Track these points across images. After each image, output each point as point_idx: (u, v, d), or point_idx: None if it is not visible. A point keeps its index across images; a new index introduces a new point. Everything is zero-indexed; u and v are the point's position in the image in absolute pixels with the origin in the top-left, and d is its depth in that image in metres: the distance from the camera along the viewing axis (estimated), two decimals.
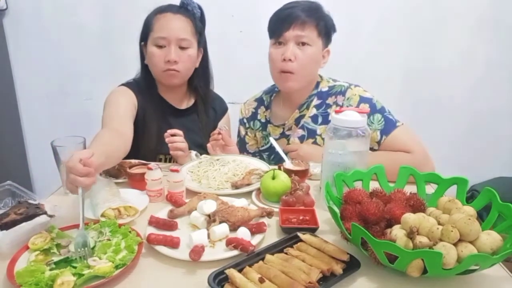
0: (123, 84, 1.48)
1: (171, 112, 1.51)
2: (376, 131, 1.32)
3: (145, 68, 1.47)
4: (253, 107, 1.58)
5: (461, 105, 2.41)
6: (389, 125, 1.31)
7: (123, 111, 1.35)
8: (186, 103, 1.55)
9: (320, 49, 1.36)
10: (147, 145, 1.44)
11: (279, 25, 1.33)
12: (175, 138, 1.30)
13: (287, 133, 1.48)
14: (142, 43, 1.45)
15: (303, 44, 1.32)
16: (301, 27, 1.30)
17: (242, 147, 1.60)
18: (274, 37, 1.36)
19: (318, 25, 1.32)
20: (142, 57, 1.48)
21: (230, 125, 1.68)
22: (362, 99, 1.35)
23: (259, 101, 1.57)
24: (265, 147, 1.53)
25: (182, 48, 1.39)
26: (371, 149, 1.36)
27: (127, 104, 1.38)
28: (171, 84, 1.44)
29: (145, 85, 1.47)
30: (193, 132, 1.51)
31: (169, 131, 1.30)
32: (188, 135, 1.36)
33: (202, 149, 1.42)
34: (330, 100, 1.41)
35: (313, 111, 1.42)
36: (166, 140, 1.30)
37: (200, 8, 1.46)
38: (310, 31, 1.31)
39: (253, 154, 1.57)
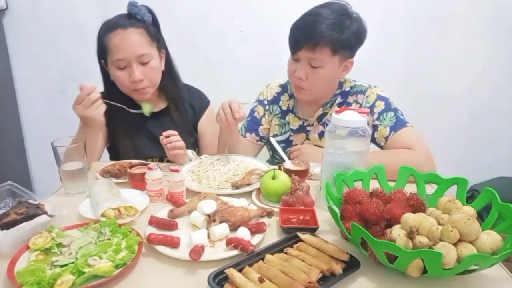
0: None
1: (145, 117, 1.47)
2: (386, 127, 1.35)
3: (111, 83, 1.42)
4: (276, 91, 1.55)
5: (461, 105, 2.41)
6: (399, 123, 1.35)
7: None
8: (158, 106, 1.52)
9: (336, 67, 1.32)
10: (124, 153, 1.46)
11: (293, 42, 1.31)
12: (172, 138, 1.30)
13: (307, 128, 1.49)
14: (102, 61, 1.41)
15: (315, 66, 1.30)
16: (311, 50, 1.27)
17: (253, 128, 1.55)
18: (290, 51, 1.35)
19: (334, 44, 1.26)
20: (104, 73, 1.44)
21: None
22: (379, 97, 1.40)
23: (284, 87, 1.55)
24: (279, 137, 1.52)
25: (143, 63, 1.35)
26: (378, 145, 1.39)
27: None
28: (143, 99, 1.43)
29: (113, 100, 1.38)
30: None
31: (164, 133, 1.30)
32: None
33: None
34: (350, 99, 1.43)
35: (335, 109, 1.43)
36: (164, 141, 1.30)
37: (150, 11, 1.40)
38: (322, 53, 1.27)
39: (261, 139, 1.56)
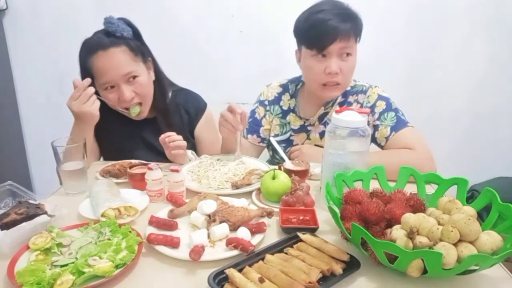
0: None
1: (139, 124, 1.46)
2: (387, 127, 1.35)
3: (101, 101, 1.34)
4: (277, 91, 1.54)
5: (461, 105, 2.41)
6: (400, 124, 1.35)
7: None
8: (150, 113, 1.47)
9: (356, 53, 1.34)
10: (119, 158, 1.40)
11: (321, 38, 1.27)
12: (174, 137, 1.29)
13: (308, 128, 1.49)
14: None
15: (347, 54, 1.30)
16: (346, 40, 1.27)
17: (254, 129, 1.54)
18: (316, 49, 1.29)
19: (355, 32, 1.29)
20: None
21: (214, 122, 1.54)
22: (380, 97, 1.40)
23: (284, 87, 1.54)
24: (279, 137, 1.51)
25: (131, 80, 1.32)
26: (379, 145, 1.39)
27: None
28: (139, 118, 1.41)
29: (105, 109, 1.34)
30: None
31: (163, 135, 1.29)
32: (159, 143, 1.33)
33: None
34: (351, 99, 1.44)
35: (336, 108, 1.43)
36: (166, 139, 1.29)
37: (129, 23, 1.33)
38: (352, 41, 1.29)
39: (262, 140, 1.55)
